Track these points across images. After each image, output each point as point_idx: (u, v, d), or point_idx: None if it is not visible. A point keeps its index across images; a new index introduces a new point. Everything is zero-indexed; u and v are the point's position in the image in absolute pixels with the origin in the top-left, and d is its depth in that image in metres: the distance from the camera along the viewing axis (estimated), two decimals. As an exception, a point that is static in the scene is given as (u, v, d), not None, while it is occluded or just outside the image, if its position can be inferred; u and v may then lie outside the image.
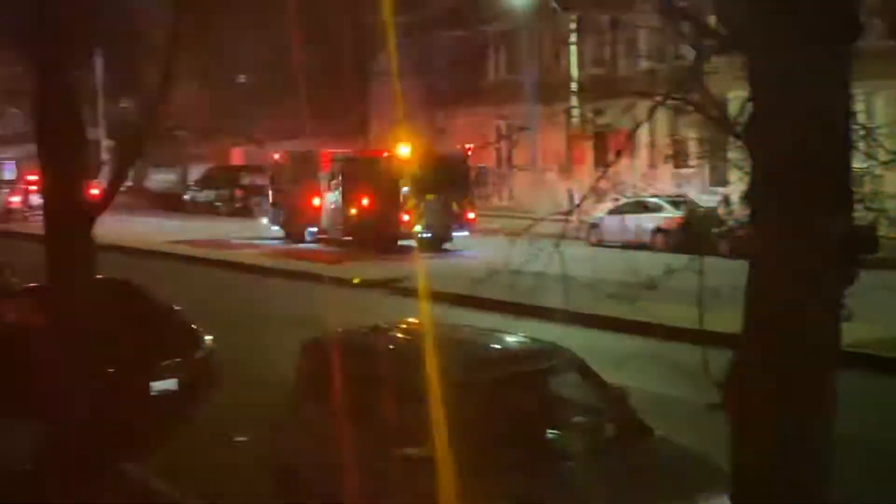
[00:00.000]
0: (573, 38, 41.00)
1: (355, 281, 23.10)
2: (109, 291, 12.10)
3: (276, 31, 32.18)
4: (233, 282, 24.48)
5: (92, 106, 48.01)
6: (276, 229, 33.87)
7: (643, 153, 36.18)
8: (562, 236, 6.62)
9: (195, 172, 54.62)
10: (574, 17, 40.47)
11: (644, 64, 31.52)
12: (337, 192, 31.36)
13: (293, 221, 32.80)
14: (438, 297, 19.55)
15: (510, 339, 9.35)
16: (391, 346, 8.60)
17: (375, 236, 29.09)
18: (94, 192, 10.37)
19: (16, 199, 47.29)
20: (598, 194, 7.79)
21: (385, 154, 30.46)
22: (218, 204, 46.58)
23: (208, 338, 12.71)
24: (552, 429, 7.86)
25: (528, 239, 7.39)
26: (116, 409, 9.85)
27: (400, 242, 28.73)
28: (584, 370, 8.26)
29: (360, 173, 30.81)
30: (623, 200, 29.54)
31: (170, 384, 11.72)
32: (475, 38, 44.19)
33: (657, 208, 29.39)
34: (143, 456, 10.45)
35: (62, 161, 9.55)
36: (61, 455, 9.45)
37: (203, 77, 39.81)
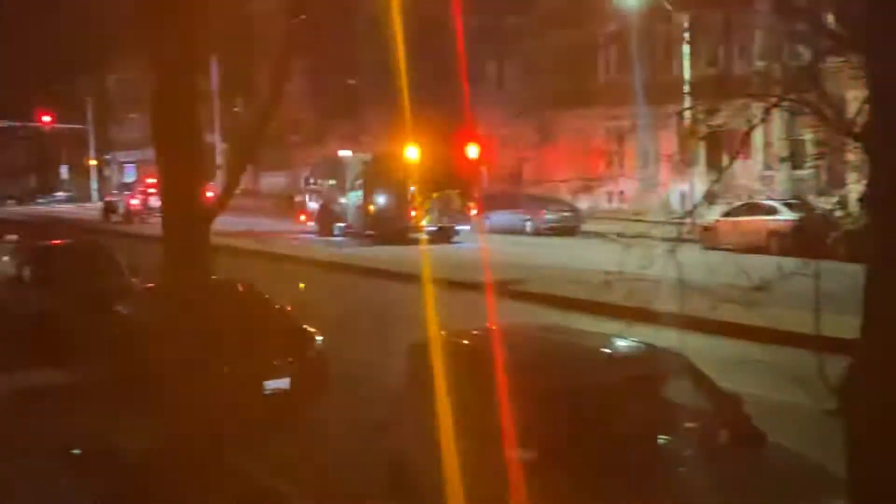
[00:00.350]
0: (686, 37, 40.36)
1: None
2: (224, 292, 12.39)
3: (385, 33, 32.54)
4: (337, 282, 24.77)
5: (207, 110, 49.15)
6: (311, 225, 37.81)
7: (758, 155, 35.43)
8: (676, 239, 6.54)
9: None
10: (687, 16, 39.85)
11: (758, 64, 30.86)
12: (360, 192, 34.89)
13: (324, 218, 36.80)
14: (547, 300, 19.52)
15: (622, 343, 9.26)
16: (501, 348, 8.59)
17: (391, 230, 32.66)
18: (210, 194, 10.61)
19: (135, 202, 48.65)
20: (711, 197, 7.67)
21: (396, 156, 33.82)
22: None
23: (319, 338, 12.90)
24: (664, 434, 7.76)
25: (633, 242, 7.31)
26: (230, 407, 10.04)
27: (411, 235, 32.31)
28: (697, 375, 8.14)
29: (378, 174, 34.19)
30: (737, 203, 28.99)
31: (282, 383, 11.93)
32: (585, 39, 43.89)
33: (772, 211, 28.75)
34: (255, 453, 10.64)
35: (180, 164, 9.77)
36: (177, 451, 9.68)
37: (314, 80, 40.42)
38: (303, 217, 38.85)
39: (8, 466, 10.47)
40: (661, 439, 7.70)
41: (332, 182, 36.98)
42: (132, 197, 49.25)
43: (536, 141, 42.02)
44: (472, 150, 32.83)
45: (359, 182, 35.40)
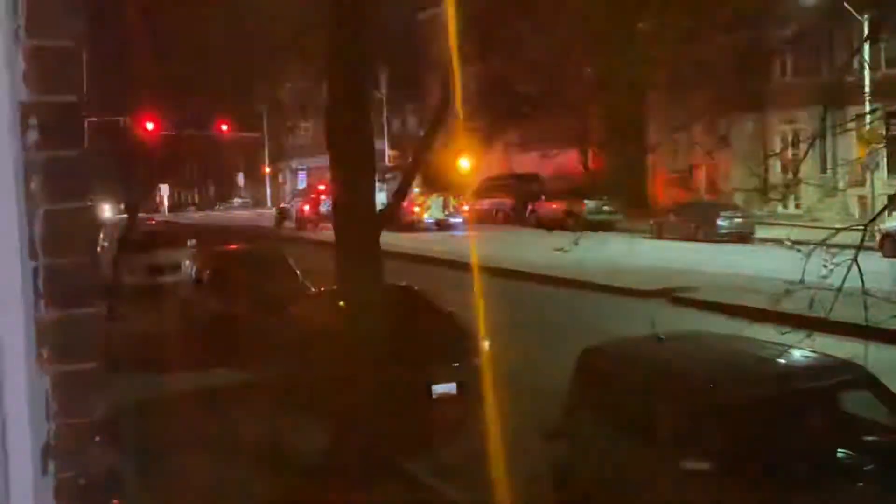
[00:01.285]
0: (866, 38, 38.74)
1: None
2: (394, 296, 12.55)
3: (552, 39, 32.49)
4: (501, 287, 24.76)
5: (376, 117, 50.08)
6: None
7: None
8: (856, 247, 6.26)
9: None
10: (867, 16, 38.24)
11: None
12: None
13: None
14: (719, 308, 19.03)
15: (799, 353, 8.93)
16: (672, 357, 8.42)
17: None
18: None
19: (307, 208, 49.91)
20: (894, 203, 7.28)
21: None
22: (494, 212, 47.16)
23: (486, 343, 12.92)
24: (843, 447, 7.45)
25: (811, 249, 7.03)
26: (399, 410, 10.15)
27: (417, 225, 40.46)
28: (878, 388, 7.78)
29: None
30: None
31: (449, 388, 11.99)
32: (760, 42, 42.65)
33: (960, 219, 27.27)
34: (422, 456, 10.72)
35: (353, 171, 9.96)
36: (347, 451, 9.86)
37: (478, 86, 40.65)
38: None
39: (186, 460, 10.88)
40: (840, 453, 7.40)
41: None
42: (304, 203, 50.49)
43: (710, 146, 41.09)
44: (464, 162, 40.00)
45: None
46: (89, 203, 2.06)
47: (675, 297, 21.00)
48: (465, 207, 42.82)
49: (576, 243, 12.40)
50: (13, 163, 1.90)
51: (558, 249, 12.94)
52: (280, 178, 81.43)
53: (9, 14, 1.89)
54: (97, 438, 1.97)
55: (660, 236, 34.78)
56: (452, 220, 43.02)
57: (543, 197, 44.21)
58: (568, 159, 46.18)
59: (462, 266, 29.11)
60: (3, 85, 1.89)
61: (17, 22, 1.91)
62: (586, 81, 43.35)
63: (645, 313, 17.34)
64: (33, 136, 1.93)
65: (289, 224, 49.79)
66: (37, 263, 1.93)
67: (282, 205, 56.41)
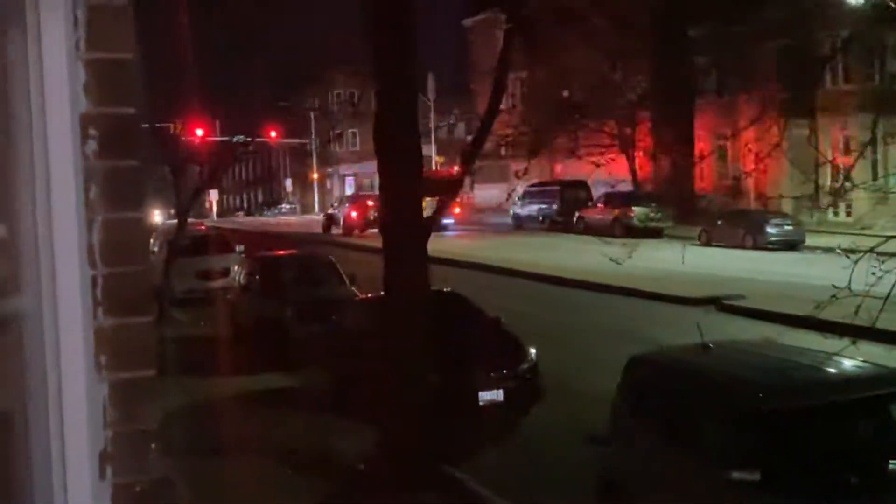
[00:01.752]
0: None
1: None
2: (441, 302, 12.57)
3: (600, 45, 32.47)
4: (547, 293, 24.73)
5: (424, 122, 50.21)
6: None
7: None
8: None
9: (520, 188, 55.63)
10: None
11: None
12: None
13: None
14: (767, 316, 18.84)
15: (846, 362, 8.82)
16: (720, 366, 8.35)
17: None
18: (423, 206, 10.80)
19: (354, 214, 50.13)
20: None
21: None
22: (540, 219, 47.07)
23: (532, 350, 12.90)
24: (892, 458, 7.35)
25: (861, 257, 6.94)
26: (446, 416, 10.17)
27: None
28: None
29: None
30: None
31: (496, 395, 11.99)
32: (811, 48, 42.17)
33: None
34: (468, 463, 10.72)
35: (400, 178, 9.99)
36: (393, 457, 9.88)
37: (529, 92, 40.64)
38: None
39: (235, 463, 10.98)
40: (891, 464, 7.30)
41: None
42: (351, 209, 50.69)
43: (760, 153, 40.70)
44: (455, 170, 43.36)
45: None
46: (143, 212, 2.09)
47: (723, 304, 20.81)
48: (457, 210, 47.81)
49: (629, 256, 12.37)
50: (73, 173, 1.93)
51: (613, 260, 12.91)
52: (328, 184, 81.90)
53: (69, 27, 1.93)
54: (153, 446, 2.00)
55: (708, 243, 34.49)
56: (444, 220, 45.10)
57: (591, 203, 44.04)
58: (616, 166, 45.99)
59: (488, 268, 29.20)
60: (64, 97, 1.92)
61: (78, 35, 1.95)
62: (635, 88, 43.19)
63: (692, 321, 17.19)
64: (92, 146, 1.97)
65: (336, 229, 50.02)
66: (95, 272, 1.96)
67: (329, 210, 56.69)
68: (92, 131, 1.96)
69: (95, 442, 1.95)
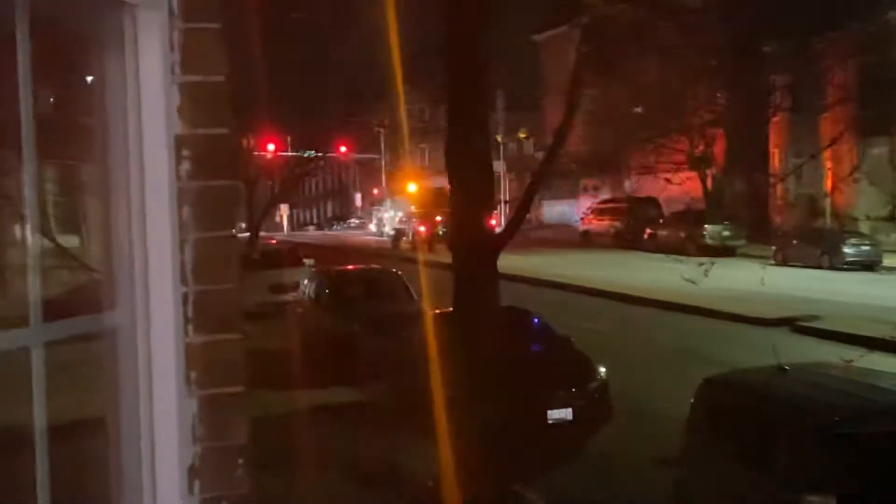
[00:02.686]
0: None
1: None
2: (511, 319, 12.54)
3: (676, 63, 32.18)
4: (617, 312, 24.56)
5: (493, 140, 50.20)
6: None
7: None
8: None
9: (590, 204, 55.36)
10: None
11: None
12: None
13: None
14: (843, 338, 18.49)
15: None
16: (795, 388, 8.22)
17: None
18: (493, 222, 10.79)
19: (423, 229, 50.42)
20: None
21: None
22: (609, 235, 46.73)
23: (602, 369, 12.81)
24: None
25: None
26: (514, 434, 10.13)
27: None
28: None
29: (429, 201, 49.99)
30: None
31: (565, 413, 11.92)
32: (893, 63, 41.34)
33: None
34: (537, 482, 10.67)
35: (469, 193, 10.00)
36: (461, 475, 9.86)
37: (601, 108, 40.40)
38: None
39: (304, 476, 11.05)
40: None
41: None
42: (420, 224, 50.95)
43: (838, 171, 39.93)
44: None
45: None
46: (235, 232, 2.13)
47: (798, 325, 20.47)
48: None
49: (706, 274, 12.23)
50: (168, 193, 1.98)
51: (687, 279, 12.79)
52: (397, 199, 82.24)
53: (165, 51, 1.98)
54: (240, 461, 2.03)
55: (783, 263, 33.97)
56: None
57: (662, 220, 43.65)
58: (689, 183, 45.52)
59: (557, 285, 29.04)
60: (160, 119, 1.97)
61: (174, 58, 1.99)
62: (709, 105, 42.70)
63: (766, 342, 16.97)
64: (186, 167, 2.01)
65: (405, 244, 50.26)
66: (187, 289, 2.00)
67: (398, 225, 57.05)
68: (186, 152, 2.01)
69: (184, 457, 1.99)
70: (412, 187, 62.53)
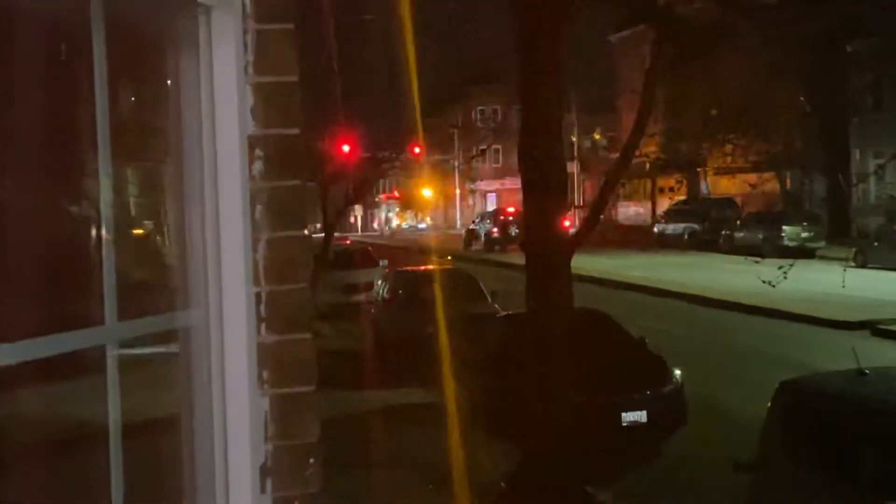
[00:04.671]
0: None
1: None
2: (585, 321, 12.45)
3: (756, 63, 31.68)
4: (692, 314, 24.26)
5: (567, 140, 49.95)
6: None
7: None
8: None
9: (663, 205, 54.82)
10: None
11: None
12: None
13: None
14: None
15: None
16: (876, 393, 8.03)
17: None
18: (567, 223, 10.72)
19: (495, 230, 50.32)
20: None
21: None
22: (686, 237, 46.16)
23: (677, 371, 12.66)
24: None
25: None
26: (588, 436, 10.06)
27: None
28: None
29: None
30: None
31: (639, 416, 11.80)
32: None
33: None
34: (610, 483, 10.59)
35: (543, 194, 9.94)
36: (533, 476, 9.82)
37: (677, 107, 39.95)
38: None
39: (378, 476, 11.10)
40: None
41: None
42: (493, 225, 50.87)
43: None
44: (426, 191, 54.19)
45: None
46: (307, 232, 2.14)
47: (879, 328, 20.02)
48: (428, 219, 65.96)
49: (784, 277, 12.02)
50: (241, 193, 1.99)
51: (766, 282, 12.58)
52: (470, 200, 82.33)
53: (239, 52, 1.99)
54: (311, 460, 2.04)
55: (864, 265, 33.21)
56: (420, 226, 66.42)
57: (739, 222, 43.01)
58: (766, 184, 44.77)
59: (632, 287, 28.76)
60: (233, 119, 1.98)
61: (247, 59, 2.01)
62: (791, 105, 41.95)
63: (844, 345, 16.63)
64: (258, 167, 2.03)
65: (476, 246, 50.24)
66: (259, 289, 2.01)
67: (470, 226, 57.07)
68: (258, 152, 2.02)
69: (256, 455, 2.00)
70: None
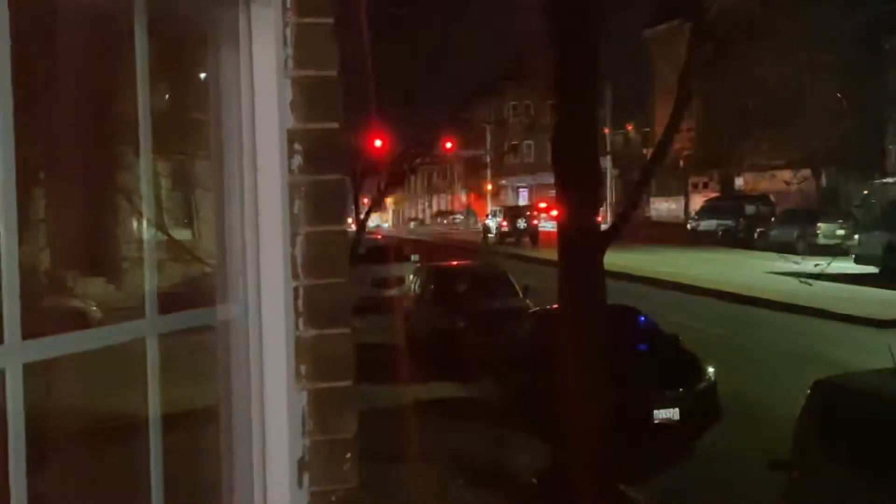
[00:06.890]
0: None
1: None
2: (617, 317, 12.40)
3: (793, 59, 31.44)
4: (725, 311, 24.10)
5: (601, 136, 49.77)
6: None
7: None
8: None
9: (697, 201, 54.51)
10: None
11: None
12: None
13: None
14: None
15: None
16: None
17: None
18: (599, 219, 10.69)
19: (505, 223, 51.22)
20: None
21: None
22: (720, 234, 45.85)
23: (710, 369, 12.59)
24: None
25: None
26: (620, 433, 10.02)
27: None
28: None
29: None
30: None
31: (672, 414, 11.74)
32: None
33: None
34: (642, 481, 10.55)
35: (576, 189, 9.91)
36: (565, 472, 9.80)
37: (711, 102, 39.71)
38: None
39: (409, 470, 11.12)
40: None
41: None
42: (503, 219, 51.97)
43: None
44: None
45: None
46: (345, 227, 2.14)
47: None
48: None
49: (820, 275, 11.91)
50: (280, 187, 1.99)
51: (802, 281, 12.49)
52: (502, 195, 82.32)
53: (279, 46, 1.99)
54: (348, 455, 2.04)
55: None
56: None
57: (774, 219, 42.68)
58: (801, 180, 44.41)
59: (665, 283, 28.59)
60: (273, 113, 1.98)
61: (287, 53, 2.00)
62: (827, 102, 41.59)
63: (880, 343, 16.47)
64: (297, 161, 2.02)
65: (491, 239, 51.25)
66: (297, 283, 2.01)
67: (485, 220, 57.92)
68: (297, 146, 2.02)
69: (294, 450, 2.00)
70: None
